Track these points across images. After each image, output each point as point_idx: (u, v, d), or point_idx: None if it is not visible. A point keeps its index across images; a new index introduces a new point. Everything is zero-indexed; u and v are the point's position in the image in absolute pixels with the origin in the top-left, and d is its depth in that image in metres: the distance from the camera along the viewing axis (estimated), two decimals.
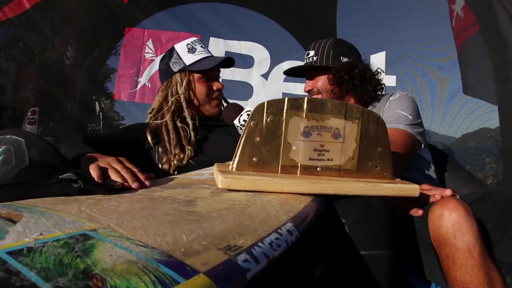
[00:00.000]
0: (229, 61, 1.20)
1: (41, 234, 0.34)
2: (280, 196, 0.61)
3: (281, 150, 0.68)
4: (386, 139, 0.75)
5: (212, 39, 2.03)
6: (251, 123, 0.67)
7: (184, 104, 1.14)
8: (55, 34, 2.00)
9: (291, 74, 1.26)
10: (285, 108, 0.69)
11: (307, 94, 1.14)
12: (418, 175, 1.08)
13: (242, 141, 0.67)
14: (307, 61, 1.18)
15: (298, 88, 1.94)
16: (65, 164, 0.59)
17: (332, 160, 0.72)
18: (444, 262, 0.73)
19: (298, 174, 0.69)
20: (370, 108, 1.16)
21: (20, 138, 0.59)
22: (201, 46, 1.17)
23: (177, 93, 1.14)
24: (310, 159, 0.70)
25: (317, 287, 0.62)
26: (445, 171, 1.32)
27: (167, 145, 1.07)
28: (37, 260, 0.30)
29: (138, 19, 1.99)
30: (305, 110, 0.70)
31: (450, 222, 0.71)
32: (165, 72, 1.19)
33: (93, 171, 0.62)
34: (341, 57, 1.14)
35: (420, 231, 0.78)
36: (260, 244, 0.40)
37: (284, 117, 0.69)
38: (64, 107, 2.08)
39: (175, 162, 1.05)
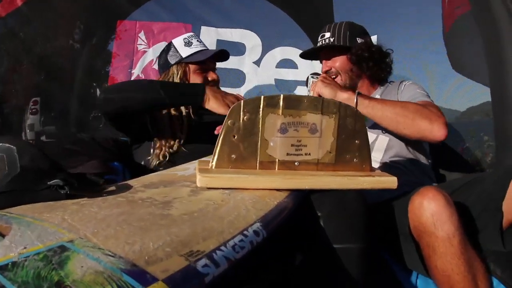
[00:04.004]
0: (224, 54, 1.24)
1: (25, 248, 0.39)
2: (256, 193, 0.65)
3: (259, 146, 0.71)
4: (364, 132, 0.77)
5: (203, 28, 2.02)
6: (229, 122, 0.70)
7: None
8: (48, 28, 2.02)
9: (306, 56, 1.28)
10: (261, 106, 0.71)
11: (298, 80, 1.17)
12: (413, 167, 1.09)
13: (220, 139, 0.70)
14: (323, 42, 1.19)
15: (290, 74, 1.94)
16: (54, 168, 0.64)
17: (309, 154, 0.74)
18: (424, 251, 0.76)
19: (276, 169, 0.73)
20: (382, 89, 1.17)
21: (12, 146, 0.63)
22: (197, 40, 1.23)
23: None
24: (287, 154, 0.73)
25: (293, 279, 0.66)
26: (442, 159, 1.34)
27: (161, 131, 1.12)
28: (19, 274, 0.35)
29: (129, 11, 2.00)
30: (281, 107, 0.71)
31: (430, 211, 0.73)
32: (163, 66, 1.24)
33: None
34: (357, 38, 1.15)
35: (400, 220, 0.81)
36: (222, 247, 0.44)
37: (261, 115, 0.71)
38: (66, 96, 2.13)
39: (167, 148, 1.10)
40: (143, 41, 2.03)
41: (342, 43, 1.16)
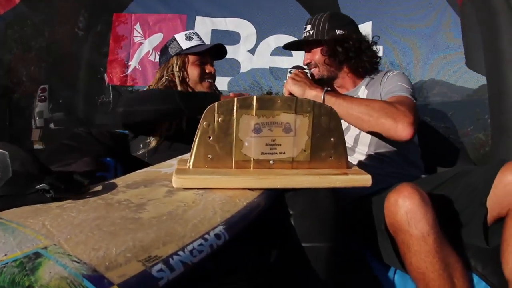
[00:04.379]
0: (222, 51, 1.33)
1: (5, 255, 0.45)
2: (228, 193, 0.68)
3: (234, 146, 0.74)
4: (339, 130, 0.78)
5: (198, 18, 2.06)
6: (204, 123, 0.73)
7: (177, 81, 1.26)
8: (51, 19, 2.09)
9: (290, 48, 1.29)
10: (235, 108, 0.73)
11: (292, 68, 1.17)
12: (400, 158, 1.09)
13: (196, 140, 0.73)
14: (305, 35, 1.22)
15: (285, 62, 1.93)
16: (43, 172, 0.70)
17: (284, 153, 0.77)
18: (400, 247, 0.77)
19: (252, 168, 0.76)
20: (368, 80, 1.17)
21: (5, 151, 0.69)
22: (198, 37, 1.33)
23: (172, 71, 1.27)
24: (262, 153, 0.76)
25: (266, 278, 0.70)
26: (436, 150, 1.33)
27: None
28: None
29: (126, 4, 2.04)
30: (254, 108, 0.73)
31: (404, 209, 0.74)
32: (164, 57, 1.32)
33: None
34: (336, 30, 1.15)
35: (377, 216, 0.83)
36: (180, 252, 0.49)
37: (235, 116, 0.73)
38: (73, 82, 2.21)
39: (163, 132, 1.17)
40: (139, 33, 2.09)
41: (320, 36, 1.16)
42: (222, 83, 2.00)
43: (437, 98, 2.38)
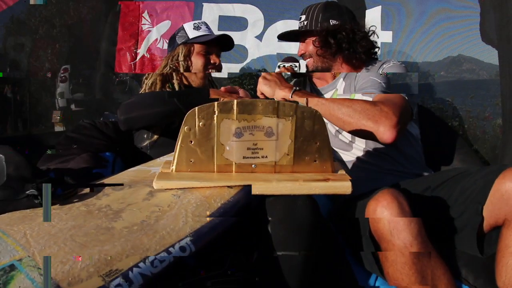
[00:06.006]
0: (229, 43, 1.32)
1: None
2: (206, 192, 0.69)
3: (215, 151, 0.74)
4: (324, 134, 0.75)
5: (205, 5, 2.05)
6: (185, 128, 0.73)
7: (182, 70, 1.28)
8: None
9: (285, 38, 1.25)
10: (215, 112, 0.72)
11: (282, 61, 1.14)
12: (399, 154, 1.03)
13: (178, 145, 0.74)
14: (299, 25, 1.18)
15: (293, 48, 1.87)
16: (36, 175, 0.74)
17: (266, 157, 0.75)
18: (380, 255, 0.76)
19: (234, 172, 0.75)
20: (363, 71, 1.09)
21: (1, 155, 0.74)
22: (207, 27, 1.32)
23: (177, 60, 1.28)
24: (244, 157, 0.75)
25: (247, 275, 0.72)
26: (442, 145, 1.25)
27: None
28: None
29: None
30: (235, 113, 0.72)
31: (386, 219, 0.72)
32: (171, 45, 1.33)
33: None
34: (330, 20, 1.10)
35: (362, 222, 0.81)
36: (141, 264, 0.51)
37: (215, 120, 0.72)
38: (92, 63, 2.27)
39: (164, 126, 1.18)
40: (147, 20, 2.11)
41: (314, 27, 1.10)
42: (234, 70, 1.99)
43: (465, 74, 2.22)
